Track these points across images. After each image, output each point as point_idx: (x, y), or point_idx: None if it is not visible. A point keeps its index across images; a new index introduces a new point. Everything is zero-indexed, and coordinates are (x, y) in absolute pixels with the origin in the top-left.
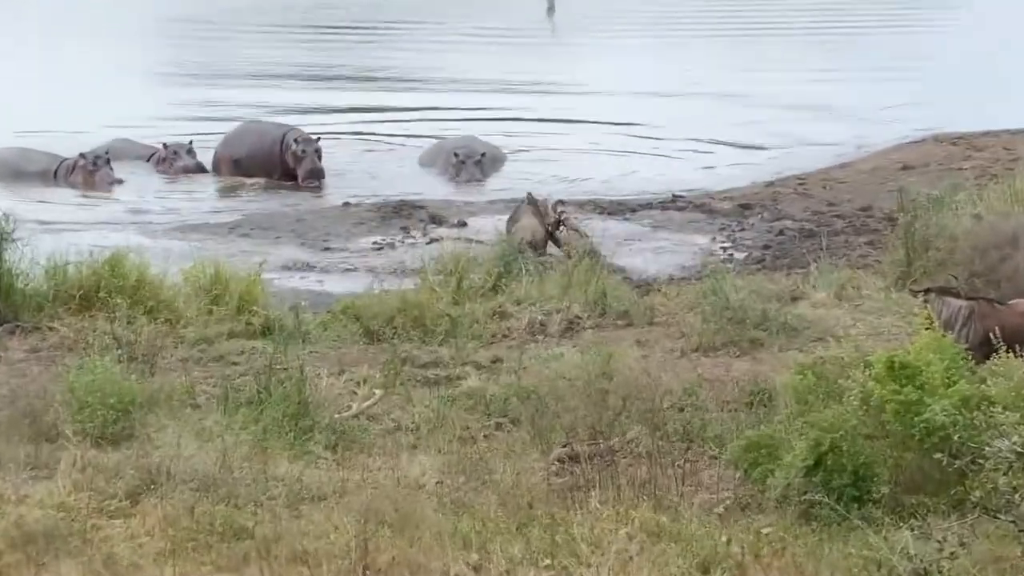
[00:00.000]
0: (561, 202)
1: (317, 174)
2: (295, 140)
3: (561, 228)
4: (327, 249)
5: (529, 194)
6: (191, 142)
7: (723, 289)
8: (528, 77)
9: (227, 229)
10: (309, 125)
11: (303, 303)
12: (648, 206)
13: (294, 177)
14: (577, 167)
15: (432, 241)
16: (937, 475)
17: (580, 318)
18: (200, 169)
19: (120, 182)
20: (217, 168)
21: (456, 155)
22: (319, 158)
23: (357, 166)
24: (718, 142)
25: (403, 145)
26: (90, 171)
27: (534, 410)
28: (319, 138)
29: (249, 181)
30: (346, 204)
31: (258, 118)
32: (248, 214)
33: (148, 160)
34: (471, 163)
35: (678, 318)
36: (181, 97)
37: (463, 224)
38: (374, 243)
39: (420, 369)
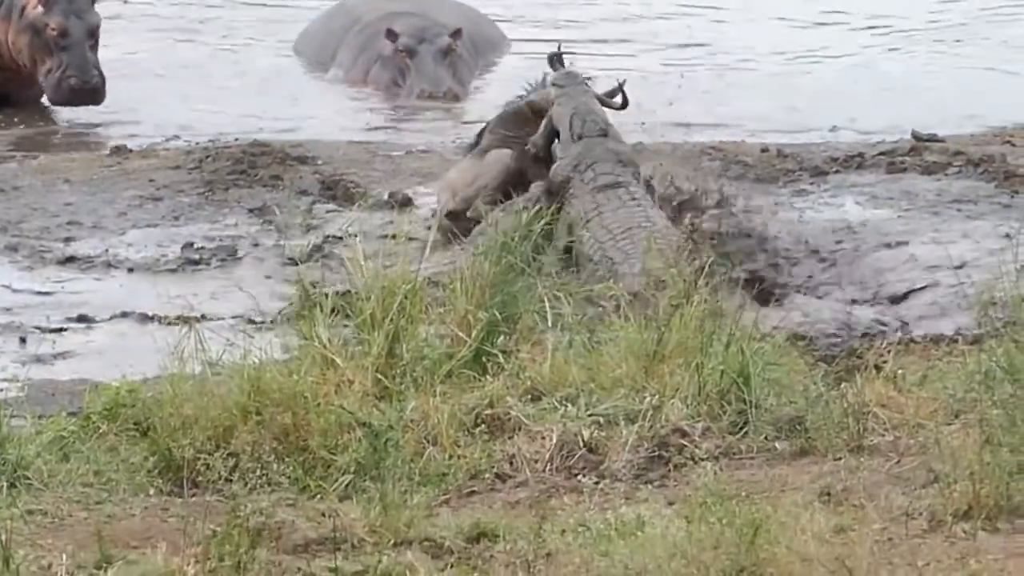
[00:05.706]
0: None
1: (83, 95)
2: None
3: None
4: (71, 260)
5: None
6: None
7: None
8: None
9: None
10: None
11: (12, 393)
12: (852, 161)
13: (24, 77)
14: (673, 88)
15: (322, 244)
16: None
17: (686, 434)
18: None
19: None
20: None
21: (393, 35)
22: (93, 46)
23: (149, 57)
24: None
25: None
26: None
27: None
28: None
29: None
30: (118, 151)
31: None
32: None
33: None
34: (430, 54)
35: (924, 437)
36: None
37: (402, 202)
38: (186, 246)
39: (295, 556)
